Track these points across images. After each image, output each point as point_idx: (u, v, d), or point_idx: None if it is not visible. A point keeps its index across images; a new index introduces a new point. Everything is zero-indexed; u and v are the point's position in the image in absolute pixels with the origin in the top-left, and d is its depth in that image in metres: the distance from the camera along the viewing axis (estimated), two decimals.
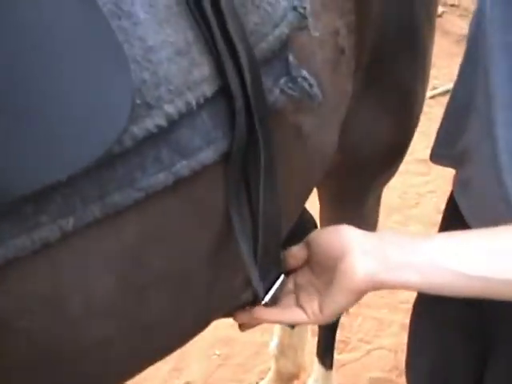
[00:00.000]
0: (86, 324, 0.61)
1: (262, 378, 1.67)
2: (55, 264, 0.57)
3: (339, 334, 1.80)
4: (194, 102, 0.59)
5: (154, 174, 0.59)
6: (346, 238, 0.71)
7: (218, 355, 1.76)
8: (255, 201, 0.68)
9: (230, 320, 1.80)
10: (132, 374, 0.73)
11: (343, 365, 1.73)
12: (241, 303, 0.79)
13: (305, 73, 0.69)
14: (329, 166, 1.11)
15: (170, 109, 0.58)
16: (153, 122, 0.57)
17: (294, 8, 0.67)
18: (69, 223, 0.55)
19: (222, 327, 1.81)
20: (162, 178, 0.59)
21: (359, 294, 0.69)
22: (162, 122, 0.58)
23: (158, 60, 0.57)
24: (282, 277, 0.80)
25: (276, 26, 0.66)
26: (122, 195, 0.58)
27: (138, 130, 0.56)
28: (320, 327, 1.54)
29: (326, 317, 0.71)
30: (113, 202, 0.57)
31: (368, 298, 1.92)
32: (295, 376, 1.64)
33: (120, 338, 0.65)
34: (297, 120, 0.72)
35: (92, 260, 0.58)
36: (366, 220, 1.24)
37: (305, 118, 0.73)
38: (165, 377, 1.69)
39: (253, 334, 1.78)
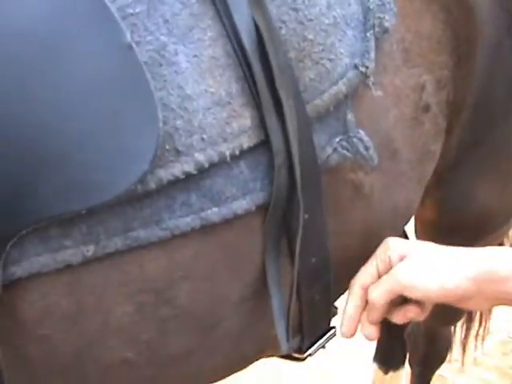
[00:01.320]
0: (105, 343, 0.64)
1: None
2: (77, 283, 0.60)
3: None
4: (227, 153, 0.60)
5: (182, 217, 0.61)
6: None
7: None
8: (294, 255, 0.68)
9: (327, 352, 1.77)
10: None
11: None
12: (287, 350, 0.78)
13: (362, 134, 0.67)
14: (422, 226, 1.06)
15: (200, 157, 0.59)
16: (181, 168, 0.59)
17: (355, 66, 0.65)
18: (89, 251, 0.58)
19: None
20: (189, 221, 0.61)
21: None
22: (191, 169, 0.59)
23: (193, 109, 0.59)
24: (332, 330, 0.79)
25: (334, 83, 0.65)
26: (146, 232, 0.60)
27: (164, 174, 0.58)
28: (413, 378, 1.47)
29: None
30: (136, 237, 0.60)
31: (477, 357, 1.80)
32: None
33: (141, 363, 0.67)
34: (356, 178, 0.70)
35: (111, 286, 0.61)
36: None
37: (367, 176, 0.71)
38: None
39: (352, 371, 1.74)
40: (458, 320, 1.31)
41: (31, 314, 0.60)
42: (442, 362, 1.42)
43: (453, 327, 1.41)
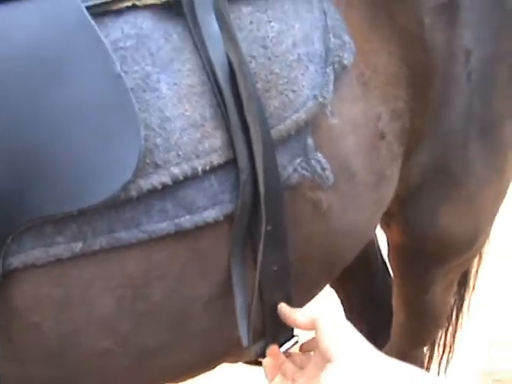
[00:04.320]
0: (88, 333, 0.73)
1: None
2: (66, 276, 0.70)
3: None
4: (199, 168, 0.70)
5: (159, 222, 0.70)
6: (344, 344, 0.69)
7: None
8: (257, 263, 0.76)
9: None
10: None
11: None
12: (252, 354, 0.86)
13: (320, 156, 0.76)
14: (393, 250, 1.13)
15: (175, 170, 0.69)
16: (159, 179, 0.69)
17: (315, 97, 0.75)
18: (77, 247, 0.68)
19: None
20: (164, 226, 0.70)
21: None
22: (167, 180, 0.69)
23: (171, 129, 0.69)
24: (295, 338, 0.87)
25: (296, 111, 0.74)
26: (127, 234, 0.70)
27: (144, 183, 0.68)
28: None
29: None
30: (119, 238, 0.69)
31: None
32: None
33: (119, 353, 0.75)
34: (315, 196, 0.79)
35: (97, 281, 0.70)
36: (428, 309, 1.22)
37: (325, 195, 0.80)
38: None
39: None
40: (427, 343, 1.38)
41: (24, 302, 0.69)
42: None
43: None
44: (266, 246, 0.75)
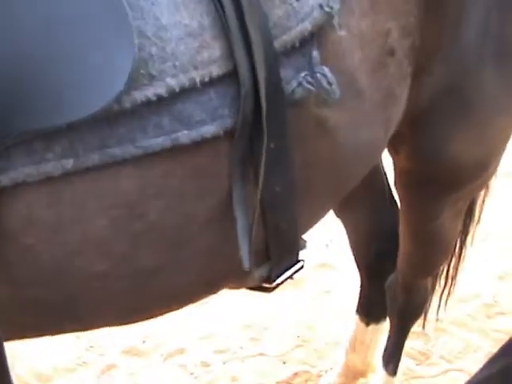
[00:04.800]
0: (84, 256, 0.70)
1: (332, 368, 1.70)
2: (57, 195, 0.67)
3: (422, 345, 1.77)
4: (197, 80, 0.66)
5: (154, 137, 0.67)
6: None
7: (298, 337, 1.81)
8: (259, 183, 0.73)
9: (315, 305, 1.82)
10: (137, 315, 0.81)
11: (417, 377, 1.70)
12: (256, 279, 0.84)
13: (326, 70, 0.72)
14: (400, 177, 1.10)
15: (171, 82, 0.65)
16: (154, 91, 0.65)
17: (321, 6, 0.70)
18: (69, 164, 0.65)
19: (305, 311, 1.87)
20: (160, 142, 0.67)
21: None
22: (163, 92, 0.65)
23: (167, 38, 0.65)
24: (301, 263, 0.85)
25: (300, 21, 0.70)
26: (121, 150, 0.66)
27: (138, 95, 0.65)
28: (391, 330, 1.53)
29: None
30: (112, 154, 0.66)
31: (461, 317, 1.85)
32: (362, 374, 1.65)
33: (116, 275, 0.73)
34: (320, 113, 0.76)
35: (89, 200, 0.68)
36: (436, 238, 1.20)
37: (331, 112, 0.76)
38: (242, 342, 1.78)
39: (336, 322, 1.81)
40: (433, 272, 1.36)
41: (15, 222, 0.67)
42: (417, 317, 1.47)
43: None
44: (267, 164, 0.72)
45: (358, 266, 1.46)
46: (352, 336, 1.62)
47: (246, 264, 0.75)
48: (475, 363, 1.72)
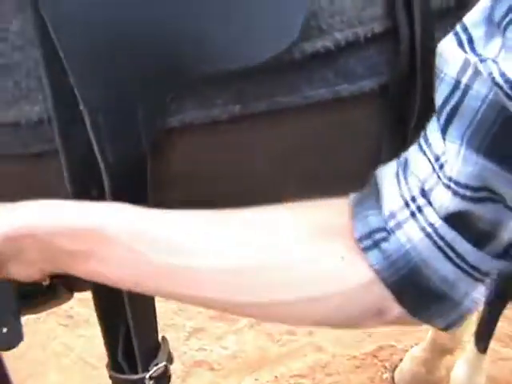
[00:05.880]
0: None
1: (417, 344, 1.72)
2: (223, 140, 0.71)
3: (508, 328, 1.77)
4: (362, 35, 0.69)
5: (318, 89, 0.71)
6: None
7: None
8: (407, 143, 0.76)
9: None
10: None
11: (502, 359, 1.70)
12: None
13: None
14: None
15: (339, 36, 0.69)
16: (322, 43, 0.69)
17: None
18: (236, 109, 0.69)
19: None
20: (323, 93, 0.71)
21: None
22: (330, 45, 0.69)
23: None
24: None
25: None
26: (287, 99, 0.70)
27: (307, 47, 0.69)
28: (484, 309, 1.54)
29: None
30: (278, 102, 0.70)
31: None
32: (450, 350, 1.66)
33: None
34: None
35: (256, 145, 0.72)
36: None
37: None
38: None
39: None
40: None
41: (184, 166, 0.72)
42: None
43: None
44: (417, 125, 0.75)
45: None
46: None
47: None
48: None
